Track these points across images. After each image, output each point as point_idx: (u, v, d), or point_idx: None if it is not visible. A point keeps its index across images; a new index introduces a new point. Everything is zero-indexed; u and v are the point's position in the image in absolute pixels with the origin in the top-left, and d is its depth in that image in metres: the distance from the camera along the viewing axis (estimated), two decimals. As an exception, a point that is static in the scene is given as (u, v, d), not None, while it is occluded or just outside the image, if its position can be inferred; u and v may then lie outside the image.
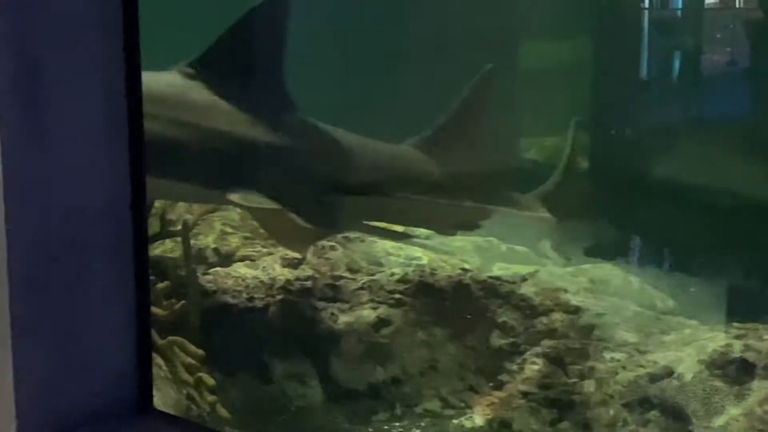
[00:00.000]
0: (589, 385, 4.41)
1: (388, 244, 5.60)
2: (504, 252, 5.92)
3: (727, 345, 4.22)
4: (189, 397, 4.06)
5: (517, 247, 6.00)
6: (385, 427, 4.48)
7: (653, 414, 4.20)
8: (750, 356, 4.15)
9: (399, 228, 6.08)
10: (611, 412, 4.28)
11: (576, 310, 4.75)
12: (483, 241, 6.02)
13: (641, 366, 4.37)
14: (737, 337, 4.28)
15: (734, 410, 4.03)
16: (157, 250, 4.62)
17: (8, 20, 2.95)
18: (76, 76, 3.13)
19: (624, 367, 4.39)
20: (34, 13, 3.00)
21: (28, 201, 3.11)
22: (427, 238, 6.07)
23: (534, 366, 4.56)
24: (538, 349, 4.61)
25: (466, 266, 5.36)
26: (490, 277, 4.99)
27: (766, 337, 4.25)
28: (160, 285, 4.14)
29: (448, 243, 5.93)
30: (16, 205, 3.07)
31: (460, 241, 5.98)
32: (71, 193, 3.17)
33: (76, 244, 3.20)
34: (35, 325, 3.16)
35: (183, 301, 4.11)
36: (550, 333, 4.68)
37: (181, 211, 4.76)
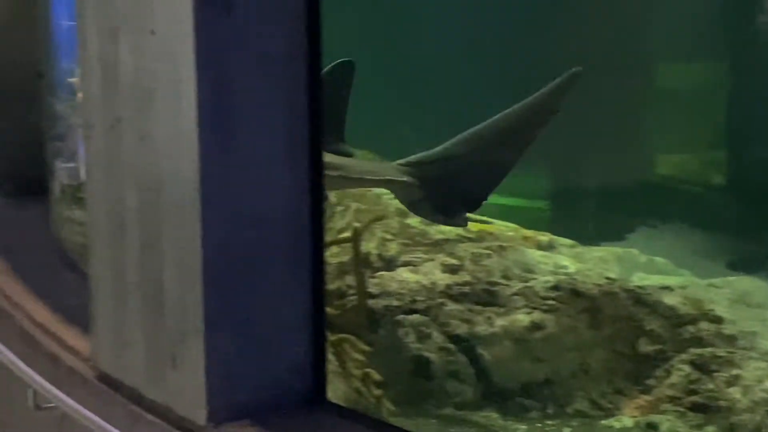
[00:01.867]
0: (734, 392, 4.24)
1: (536, 253, 5.52)
2: (644, 262, 5.77)
3: None
4: (357, 391, 4.06)
5: (657, 258, 5.84)
6: (538, 424, 4.40)
7: (799, 422, 4.02)
8: None
9: (545, 238, 6.01)
10: (757, 418, 4.11)
11: (720, 320, 4.59)
12: (623, 252, 5.89)
13: (787, 375, 4.20)
14: None
15: None
16: (326, 254, 4.64)
17: (207, 48, 3.01)
18: (263, 94, 3.18)
19: (770, 376, 4.23)
20: (228, 41, 3.05)
21: (219, 207, 3.16)
22: (571, 247, 5.98)
23: (680, 372, 4.42)
24: (684, 356, 4.47)
25: (611, 275, 5.24)
26: (638, 287, 4.86)
27: None
28: (332, 287, 4.16)
29: (590, 252, 5.83)
30: (209, 211, 3.13)
31: (601, 251, 5.87)
32: (256, 200, 3.22)
33: (260, 247, 3.24)
34: (224, 319, 3.21)
35: (353, 302, 4.12)
36: (696, 341, 4.53)
37: (350, 220, 4.78)
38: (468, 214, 6.70)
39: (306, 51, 3.26)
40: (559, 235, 5.99)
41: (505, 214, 6.71)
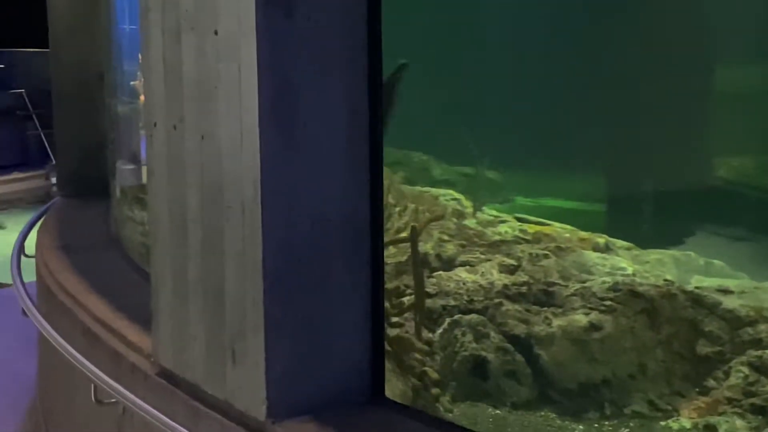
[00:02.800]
0: (795, 395, 4.18)
1: (593, 255, 5.48)
2: (701, 265, 5.70)
3: None
4: (415, 389, 4.06)
5: (715, 261, 5.77)
6: (595, 425, 4.36)
7: None
8: None
9: (601, 240, 5.96)
10: (816, 421, 4.05)
11: (781, 322, 4.52)
12: (681, 255, 5.82)
13: None
14: None
15: None
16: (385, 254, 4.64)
17: (269, 49, 3.03)
18: (324, 95, 3.20)
19: (831, 379, 4.15)
20: (290, 41, 3.07)
21: (279, 207, 3.18)
22: (628, 249, 5.92)
23: (739, 374, 4.35)
24: (743, 358, 4.41)
25: (668, 277, 5.18)
26: (696, 288, 4.81)
27: None
28: (389, 286, 4.16)
29: (647, 255, 5.77)
30: (270, 211, 3.15)
31: (659, 253, 5.81)
32: (317, 200, 3.23)
33: (319, 247, 3.26)
34: (283, 317, 3.23)
35: (411, 301, 4.13)
36: (756, 343, 4.46)
37: (407, 220, 4.79)
38: (526, 216, 6.71)
39: (367, 52, 3.28)
40: (615, 238, 5.94)
41: (561, 216, 6.68)
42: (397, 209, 5.07)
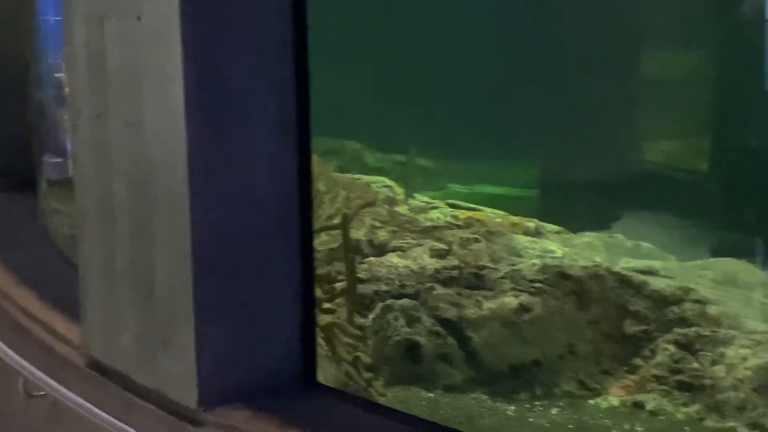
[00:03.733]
0: (719, 371, 4.25)
1: (524, 238, 5.53)
2: (630, 248, 5.78)
3: None
4: (347, 374, 4.06)
5: (643, 244, 5.85)
6: (526, 406, 4.40)
7: (783, 398, 4.03)
8: None
9: (532, 224, 6.02)
10: (741, 395, 4.12)
11: (705, 301, 4.60)
12: (610, 238, 5.90)
13: (771, 353, 4.21)
14: None
15: None
16: (316, 241, 4.63)
17: (194, 35, 2.99)
18: (251, 81, 3.17)
19: (753, 354, 4.23)
20: (215, 27, 3.04)
21: (208, 193, 3.15)
22: (558, 233, 5.99)
23: (666, 352, 4.43)
24: (669, 336, 4.48)
25: (597, 259, 5.25)
26: (623, 269, 4.88)
27: None
28: (321, 272, 4.15)
29: (577, 238, 5.84)
30: (198, 198, 3.11)
31: (588, 237, 5.87)
32: (246, 187, 3.21)
33: (249, 233, 3.24)
34: (214, 304, 3.20)
35: (342, 287, 4.13)
36: (681, 321, 4.54)
37: (339, 206, 4.78)
38: (457, 202, 6.76)
39: (294, 37, 3.26)
40: (547, 222, 6.00)
41: (495, 202, 6.73)
42: (328, 196, 5.06)
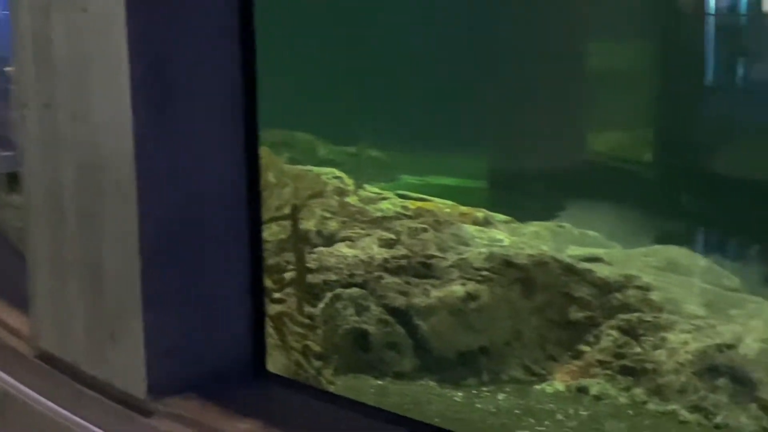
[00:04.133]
0: (660, 355, 4.32)
1: (472, 228, 5.57)
2: (576, 236, 5.85)
3: (791, 318, 4.12)
4: (297, 363, 4.07)
5: (589, 232, 5.92)
6: (474, 392, 4.45)
7: (721, 381, 4.10)
8: (813, 329, 4.05)
9: (481, 214, 6.06)
10: (682, 379, 4.19)
11: (647, 287, 4.67)
12: (557, 227, 5.96)
13: (709, 337, 4.28)
14: (800, 311, 4.17)
15: (799, 378, 3.93)
16: (266, 232, 4.63)
17: (140, 26, 2.98)
18: (198, 74, 3.16)
19: (694, 338, 4.30)
20: (164, 19, 3.03)
21: (156, 185, 3.14)
22: (507, 222, 6.04)
23: (609, 337, 4.49)
24: (612, 322, 4.54)
25: (544, 248, 5.30)
26: (568, 257, 4.93)
27: (828, 311, 4.13)
28: (271, 262, 4.16)
29: (525, 227, 5.89)
30: (146, 189, 3.10)
31: (536, 226, 5.93)
32: (193, 178, 3.20)
33: (197, 224, 3.23)
34: (162, 295, 3.20)
35: (292, 277, 4.14)
36: (624, 307, 4.61)
37: (288, 198, 4.79)
38: (407, 193, 6.79)
39: (240, 29, 3.25)
40: (497, 212, 6.05)
41: (447, 193, 6.77)
42: (278, 188, 5.06)
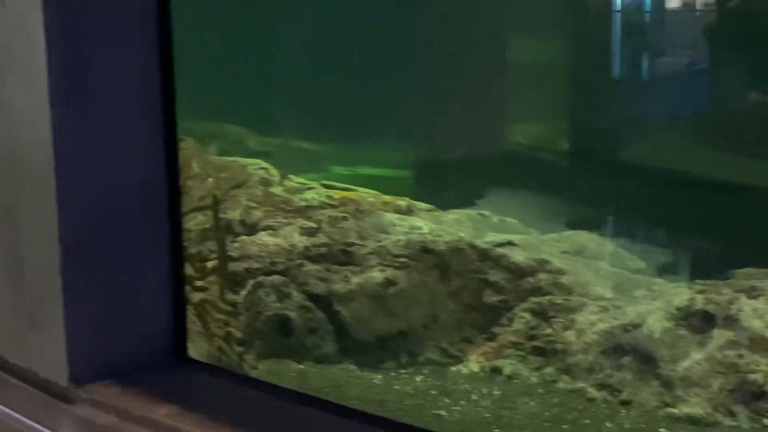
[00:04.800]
0: (570, 335, 4.44)
1: (393, 216, 5.64)
2: (496, 223, 5.95)
3: (691, 299, 4.25)
4: (220, 349, 4.10)
5: (508, 219, 6.03)
6: (392, 374, 4.52)
7: (626, 359, 4.23)
8: (710, 308, 4.18)
9: (403, 202, 6.14)
10: (590, 358, 4.31)
11: (558, 270, 4.78)
12: (478, 214, 6.05)
13: (615, 318, 4.40)
14: (699, 292, 4.30)
15: (697, 355, 4.06)
16: (191, 222, 4.65)
17: (59, 17, 2.98)
18: (116, 66, 3.17)
19: (601, 319, 4.42)
20: (80, 11, 3.03)
21: (75, 176, 3.14)
22: (429, 211, 6.12)
23: (522, 319, 4.59)
24: (525, 305, 4.64)
25: (462, 235, 5.39)
26: (484, 243, 5.03)
27: (724, 291, 4.27)
28: (194, 251, 4.19)
29: (447, 215, 5.98)
30: (65, 180, 3.10)
31: (457, 214, 6.02)
32: (113, 169, 3.21)
33: (117, 213, 3.24)
34: (82, 283, 3.20)
35: (214, 265, 4.17)
36: (537, 290, 4.71)
37: (210, 188, 4.81)
38: (333, 183, 6.84)
39: (157, 21, 3.27)
40: (422, 201, 6.13)
41: (376, 183, 6.83)
42: (202, 178, 5.07)
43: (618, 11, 6.81)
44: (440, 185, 7.42)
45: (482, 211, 6.12)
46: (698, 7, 6.59)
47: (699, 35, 6.41)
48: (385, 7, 7.79)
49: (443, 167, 7.45)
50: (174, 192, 3.43)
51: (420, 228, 5.37)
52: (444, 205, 6.22)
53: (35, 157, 3.14)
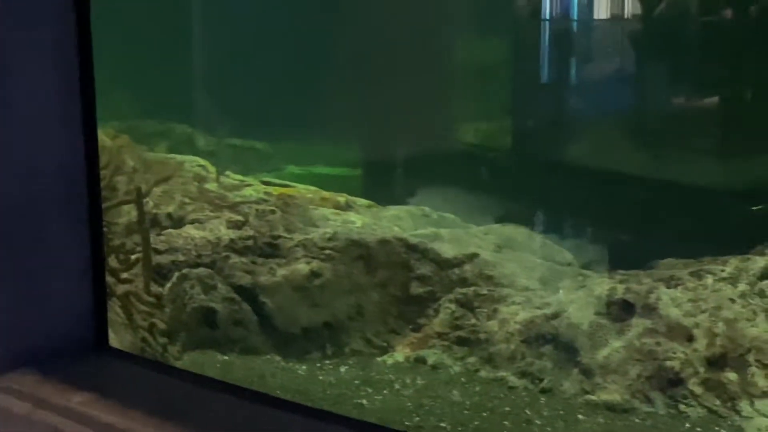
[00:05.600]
0: (493, 325, 4.52)
1: (327, 210, 5.69)
2: (435, 219, 6.03)
3: (612, 288, 4.35)
4: (144, 340, 4.13)
5: (446, 215, 6.11)
6: (317, 365, 4.57)
7: (547, 348, 4.32)
8: (630, 297, 4.28)
9: (342, 198, 6.20)
10: (512, 347, 4.40)
11: (484, 262, 4.86)
12: (417, 210, 6.13)
13: (538, 308, 4.49)
14: (620, 282, 4.41)
15: (616, 343, 4.16)
16: (120, 215, 4.67)
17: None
18: (33, 52, 3.20)
19: (523, 309, 4.51)
20: (-7, -2, 3.07)
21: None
22: (368, 207, 6.19)
23: (447, 310, 4.67)
24: (451, 296, 4.72)
25: (396, 228, 5.46)
26: (412, 236, 5.10)
27: (644, 281, 4.38)
28: (117, 242, 4.22)
29: (386, 211, 6.04)
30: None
31: (397, 209, 6.09)
32: (29, 154, 3.25)
33: (34, 200, 3.28)
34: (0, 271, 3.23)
35: (138, 257, 4.20)
36: (462, 282, 4.79)
37: (137, 182, 4.83)
38: (271, 179, 6.88)
39: (75, 6, 3.31)
40: (368, 198, 6.20)
41: (322, 181, 6.90)
42: (133, 172, 5.10)
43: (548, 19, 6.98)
44: (386, 183, 7.52)
45: (422, 207, 6.20)
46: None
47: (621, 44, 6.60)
48: (335, 4, 7.88)
49: (390, 165, 7.54)
50: (93, 181, 3.47)
51: (353, 222, 5.44)
52: (386, 202, 6.30)
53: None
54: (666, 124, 6.07)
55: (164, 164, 5.92)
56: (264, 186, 6.60)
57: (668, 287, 4.26)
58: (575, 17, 6.94)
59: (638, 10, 6.34)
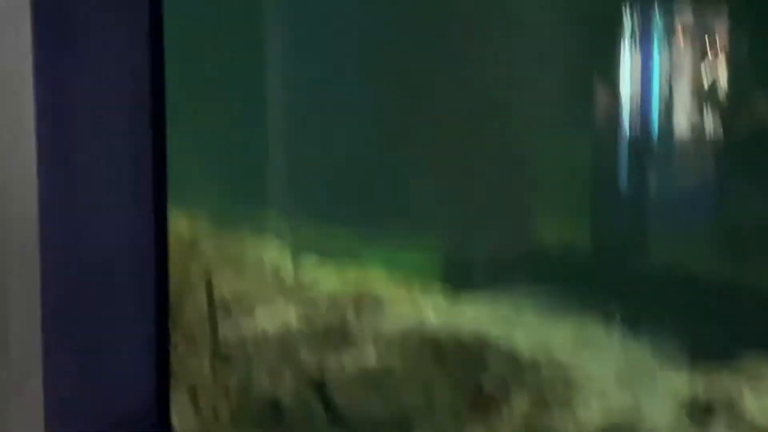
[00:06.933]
0: (568, 427, 4.38)
1: (403, 301, 5.64)
2: (514, 315, 5.91)
3: (692, 388, 4.20)
4: (207, 426, 4.10)
5: (525, 311, 5.99)
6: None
7: None
8: (712, 399, 4.13)
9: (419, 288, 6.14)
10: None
11: (560, 361, 4.76)
12: (496, 304, 6.01)
13: (616, 410, 4.33)
14: (703, 381, 4.25)
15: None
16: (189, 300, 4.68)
17: (43, 81, 3.07)
18: (105, 119, 3.23)
19: (600, 412, 4.37)
20: (70, 74, 3.13)
21: (59, 237, 3.19)
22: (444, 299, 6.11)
23: (520, 410, 4.56)
24: (525, 396, 4.60)
25: (472, 323, 5.37)
26: (488, 331, 5.02)
27: (727, 380, 4.20)
28: (184, 326, 4.22)
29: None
30: (49, 239, 3.16)
31: (474, 303, 5.99)
32: (99, 232, 3.26)
33: (101, 281, 3.29)
34: (65, 352, 3.24)
35: (205, 342, 4.19)
36: (537, 382, 4.68)
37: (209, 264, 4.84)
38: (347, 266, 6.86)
39: (150, 85, 3.35)
40: (438, 288, 6.12)
41: (393, 267, 6.85)
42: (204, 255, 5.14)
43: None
44: (467, 275, 7.47)
45: (501, 302, 6.10)
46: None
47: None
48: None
49: (473, 258, 7.51)
50: (161, 258, 3.48)
51: (428, 315, 5.36)
52: (465, 295, 6.22)
53: (21, 230, 3.20)
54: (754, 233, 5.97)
55: (239, 248, 5.95)
56: (340, 273, 6.58)
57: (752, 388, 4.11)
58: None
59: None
